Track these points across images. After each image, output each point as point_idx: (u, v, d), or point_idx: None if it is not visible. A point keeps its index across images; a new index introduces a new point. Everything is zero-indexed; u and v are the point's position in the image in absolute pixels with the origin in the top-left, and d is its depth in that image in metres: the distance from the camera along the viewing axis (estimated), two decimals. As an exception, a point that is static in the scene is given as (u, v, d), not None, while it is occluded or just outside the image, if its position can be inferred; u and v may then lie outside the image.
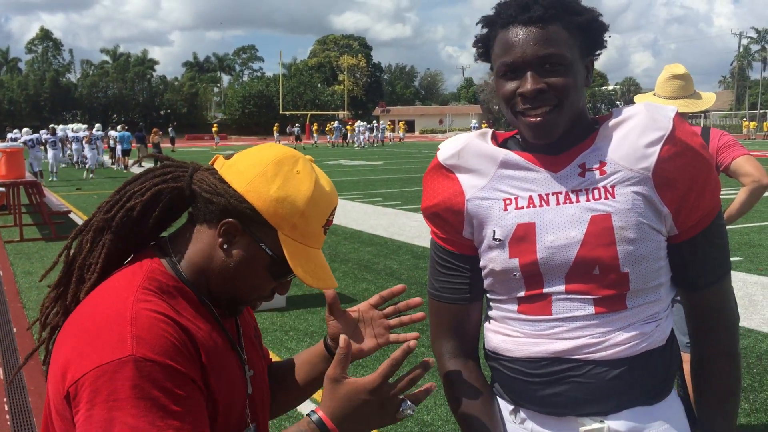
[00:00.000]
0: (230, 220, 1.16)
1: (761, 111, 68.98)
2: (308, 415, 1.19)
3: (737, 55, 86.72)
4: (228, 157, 1.24)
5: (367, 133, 46.59)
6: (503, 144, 1.51)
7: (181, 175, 1.22)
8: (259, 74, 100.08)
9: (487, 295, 1.54)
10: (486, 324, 1.57)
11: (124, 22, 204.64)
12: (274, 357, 1.68)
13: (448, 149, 1.51)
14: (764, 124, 54.18)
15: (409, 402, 1.20)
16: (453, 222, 1.49)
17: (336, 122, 50.58)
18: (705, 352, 1.48)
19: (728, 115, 72.77)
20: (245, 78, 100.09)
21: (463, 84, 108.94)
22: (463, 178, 1.47)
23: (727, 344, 1.47)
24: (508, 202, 1.42)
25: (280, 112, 69.35)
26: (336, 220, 11.81)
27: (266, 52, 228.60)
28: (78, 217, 12.84)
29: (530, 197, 1.41)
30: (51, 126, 26.70)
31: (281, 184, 1.17)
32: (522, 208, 1.41)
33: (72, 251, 1.23)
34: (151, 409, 1.00)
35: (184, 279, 1.19)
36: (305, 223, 1.19)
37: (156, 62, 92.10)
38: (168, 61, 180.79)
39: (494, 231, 1.43)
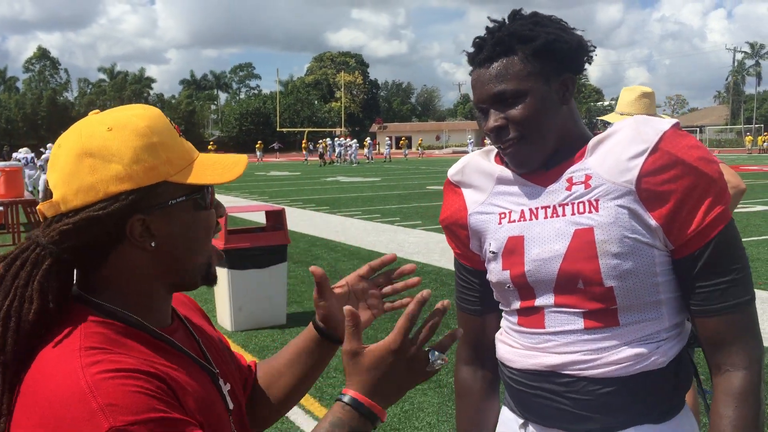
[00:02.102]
0: (128, 223, 1.00)
1: (756, 125, 69.30)
2: (338, 399, 1.08)
3: (732, 70, 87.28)
4: (44, 198, 1.07)
5: (340, 150, 47.01)
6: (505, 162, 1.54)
7: (38, 256, 1.00)
8: (256, 91, 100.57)
9: (499, 306, 1.60)
10: (497, 334, 1.61)
11: (121, 40, 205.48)
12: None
13: (454, 167, 1.61)
14: (759, 138, 54.35)
15: (437, 352, 1.12)
16: (461, 235, 1.58)
17: (327, 139, 50.65)
18: (718, 391, 1.37)
19: (723, 129, 73.04)
20: (242, 95, 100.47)
21: (460, 100, 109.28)
22: (466, 194, 1.56)
23: (740, 386, 1.33)
24: (503, 216, 1.48)
25: (278, 129, 69.50)
26: (335, 237, 11.83)
27: (263, 70, 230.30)
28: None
29: (522, 211, 1.45)
30: (50, 145, 26.60)
31: (113, 151, 1.00)
32: (514, 221, 1.46)
33: None
34: None
35: (123, 316, 1.02)
36: (169, 148, 1.04)
37: (153, 80, 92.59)
38: (165, 79, 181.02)
39: (490, 243, 1.49)
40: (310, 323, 1.35)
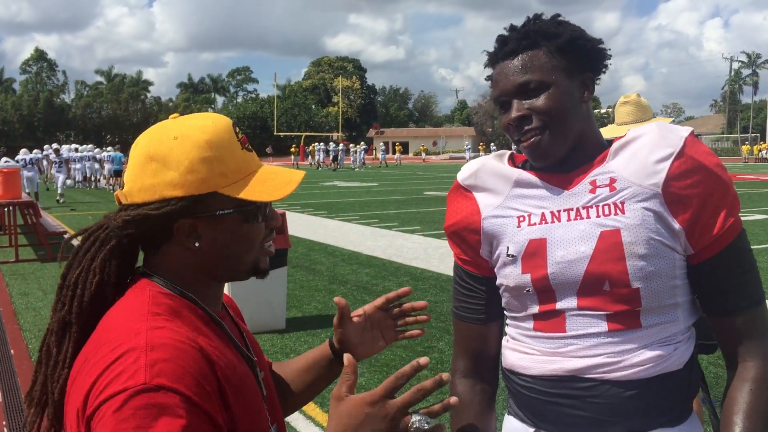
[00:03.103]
0: (177, 223, 1.12)
1: (753, 134, 69.54)
2: None
3: (728, 79, 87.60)
4: (123, 184, 1.20)
5: (321, 155, 47.29)
6: (521, 166, 1.54)
7: (106, 236, 1.15)
8: (253, 95, 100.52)
9: (506, 312, 1.56)
10: (504, 342, 1.58)
11: (118, 43, 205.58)
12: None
13: (466, 170, 1.58)
14: (755, 147, 54.58)
15: (421, 417, 1.09)
16: (471, 241, 1.54)
17: (320, 143, 50.64)
18: (734, 378, 1.43)
19: (720, 138, 73.29)
20: (239, 99, 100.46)
21: (457, 106, 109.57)
22: (480, 198, 1.53)
23: (756, 373, 1.40)
24: (521, 219, 1.46)
25: (275, 133, 69.55)
26: (333, 242, 11.82)
27: (260, 74, 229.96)
28: (75, 240, 12.76)
29: (542, 214, 1.44)
30: (55, 147, 26.49)
31: (173, 159, 1.11)
32: (534, 224, 1.44)
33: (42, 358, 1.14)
34: None
35: (183, 294, 1.14)
36: (224, 163, 1.13)
37: (150, 83, 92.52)
38: (162, 82, 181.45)
39: (508, 247, 1.46)
40: (327, 341, 1.49)
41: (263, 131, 76.42)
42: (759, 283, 1.43)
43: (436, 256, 10.29)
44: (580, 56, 1.43)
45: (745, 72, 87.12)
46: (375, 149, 51.40)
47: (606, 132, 3.17)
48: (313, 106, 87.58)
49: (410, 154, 62.32)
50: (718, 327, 1.44)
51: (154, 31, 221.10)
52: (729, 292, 1.40)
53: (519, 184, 1.48)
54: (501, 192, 1.50)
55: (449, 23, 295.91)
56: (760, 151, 52.61)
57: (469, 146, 56.65)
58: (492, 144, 62.26)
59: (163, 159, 1.12)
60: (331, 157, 47.04)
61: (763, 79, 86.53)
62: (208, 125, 1.15)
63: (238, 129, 1.19)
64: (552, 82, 1.40)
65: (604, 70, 1.49)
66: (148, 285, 1.14)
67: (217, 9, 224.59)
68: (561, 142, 1.42)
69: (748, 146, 56.75)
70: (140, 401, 0.95)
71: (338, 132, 75.20)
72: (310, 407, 4.56)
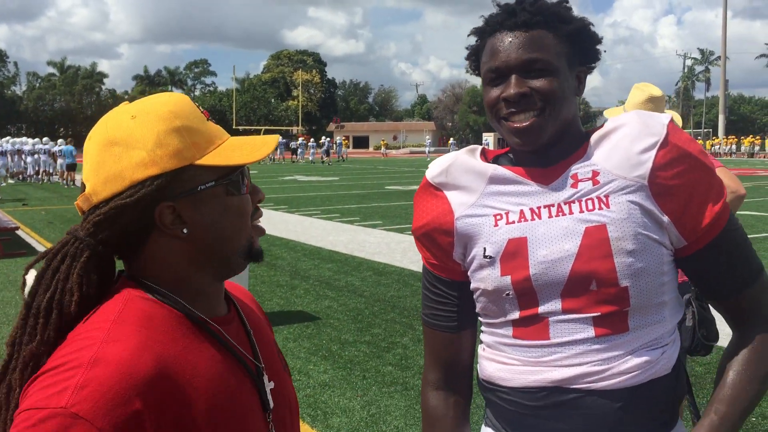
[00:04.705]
0: (156, 208, 0.99)
1: (705, 130, 71.15)
2: None
3: (682, 75, 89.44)
4: (83, 188, 1.06)
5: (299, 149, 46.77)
6: (494, 161, 1.46)
7: (77, 250, 1.01)
8: (211, 89, 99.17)
9: (481, 319, 1.47)
10: (480, 351, 1.48)
11: (71, 33, 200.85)
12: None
13: (435, 167, 1.48)
14: (708, 142, 55.90)
15: None
16: (442, 243, 1.44)
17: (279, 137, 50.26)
18: (741, 338, 1.38)
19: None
20: (197, 92, 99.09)
21: (417, 101, 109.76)
22: (451, 196, 1.43)
23: (762, 337, 1.36)
24: (498, 217, 1.37)
25: (234, 127, 68.74)
26: (295, 237, 11.69)
27: (218, 67, 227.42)
28: (26, 234, 12.42)
29: (521, 211, 1.36)
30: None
31: (137, 138, 1.00)
32: (513, 222, 1.36)
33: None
34: None
35: (169, 298, 1.02)
36: (194, 132, 1.03)
37: (105, 75, 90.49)
38: (117, 74, 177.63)
39: (485, 248, 1.37)
40: None
41: (222, 124, 73.70)
42: (754, 254, 1.40)
43: (398, 250, 10.26)
44: (582, 49, 1.38)
45: (698, 69, 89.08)
46: (334, 143, 50.78)
47: (610, 113, 3.12)
48: (273, 100, 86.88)
49: (371, 148, 62.14)
50: (724, 310, 1.40)
51: (108, 21, 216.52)
52: (730, 275, 1.36)
53: (494, 180, 1.40)
54: (475, 189, 1.41)
55: (409, 18, 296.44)
56: (712, 146, 53.88)
57: (430, 141, 56.74)
58: (452, 138, 62.51)
59: (126, 140, 1.00)
60: (323, 150, 45.31)
61: (715, 76, 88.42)
62: (169, 99, 1.06)
63: (196, 103, 1.10)
64: (557, 67, 1.33)
65: (592, 71, 1.44)
66: (127, 289, 1.02)
67: (173, 0, 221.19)
68: (551, 129, 1.34)
69: (701, 141, 58.07)
70: (52, 425, 0.85)
71: (298, 126, 74.72)
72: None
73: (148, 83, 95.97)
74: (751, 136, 59.60)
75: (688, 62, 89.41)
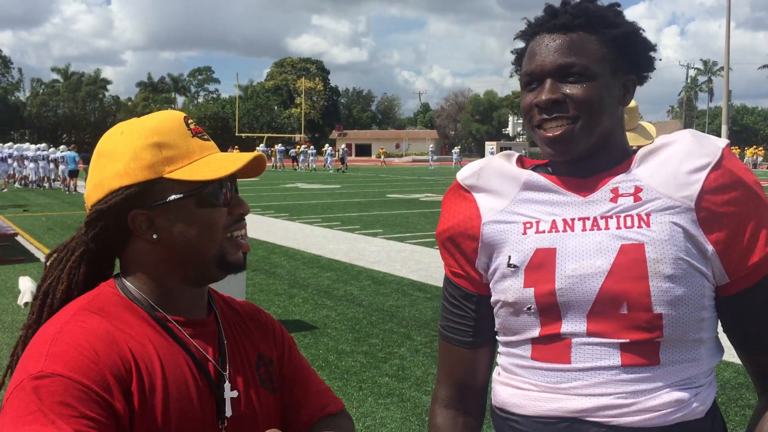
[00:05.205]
0: (129, 215, 1.12)
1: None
2: None
3: (685, 85, 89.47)
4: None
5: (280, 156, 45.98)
6: (532, 170, 1.38)
7: (75, 244, 1.18)
8: (214, 96, 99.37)
9: (499, 339, 1.38)
10: (495, 375, 1.39)
11: (75, 40, 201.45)
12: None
13: (468, 169, 1.41)
14: (748, 151, 55.75)
15: None
16: (466, 249, 1.36)
17: (279, 145, 50.13)
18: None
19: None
20: (200, 99, 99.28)
21: (420, 109, 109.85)
22: (481, 200, 1.35)
23: None
24: (528, 225, 1.29)
25: (236, 134, 68.87)
26: (295, 245, 11.66)
27: (222, 74, 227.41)
28: (25, 241, 12.39)
29: (553, 221, 1.27)
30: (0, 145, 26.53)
31: (119, 151, 1.13)
32: (543, 232, 1.27)
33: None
34: (41, 423, 0.96)
35: (135, 298, 1.14)
36: (170, 147, 1.13)
37: (109, 82, 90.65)
38: (121, 81, 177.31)
39: (510, 256, 1.28)
40: None
41: (225, 132, 75.51)
42: None
43: (398, 259, 10.21)
44: (630, 55, 1.29)
45: (701, 79, 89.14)
46: (337, 151, 50.74)
47: None
48: (276, 107, 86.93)
49: (373, 156, 62.15)
50: (752, 362, 1.29)
51: (113, 28, 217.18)
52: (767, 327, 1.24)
53: (528, 186, 1.31)
54: (506, 194, 1.32)
55: (412, 26, 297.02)
56: (754, 155, 53.71)
57: (433, 149, 56.74)
58: (456, 147, 62.49)
59: (110, 153, 1.14)
60: (337, 157, 45.08)
61: (718, 86, 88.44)
62: (155, 117, 1.17)
63: (191, 120, 1.18)
64: (597, 73, 1.24)
65: (645, 80, 1.34)
66: (105, 285, 1.16)
67: (177, 7, 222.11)
68: (587, 140, 1.25)
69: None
70: (34, 385, 0.98)
71: (301, 133, 74.80)
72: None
73: (152, 90, 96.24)
74: (753, 146, 59.61)
75: (691, 72, 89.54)
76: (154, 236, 1.12)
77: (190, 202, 1.12)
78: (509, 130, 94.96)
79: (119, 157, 1.12)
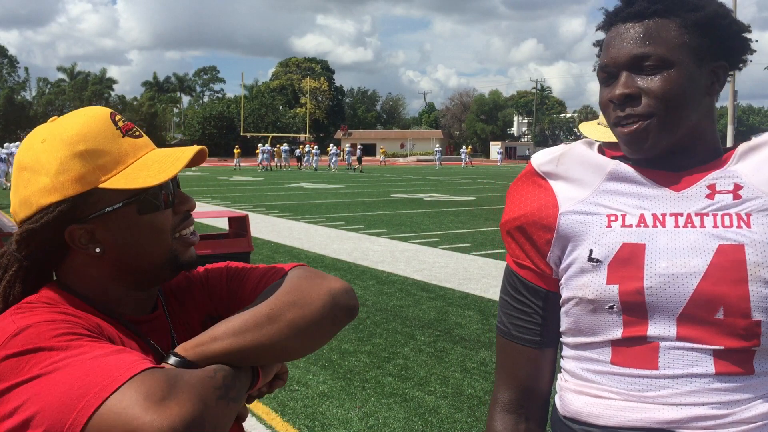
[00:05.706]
0: (65, 231, 1.01)
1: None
2: None
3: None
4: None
5: (262, 155, 43.10)
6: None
7: (8, 261, 1.05)
8: (220, 95, 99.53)
9: (566, 340, 1.28)
10: (561, 382, 1.29)
11: (81, 40, 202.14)
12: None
13: (545, 154, 1.30)
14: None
15: None
16: (538, 240, 1.26)
17: (284, 144, 49.98)
18: None
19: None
20: (206, 99, 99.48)
21: (425, 109, 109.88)
22: (559, 188, 1.25)
23: None
24: (613, 218, 1.19)
25: (241, 133, 69.00)
26: (299, 244, 11.66)
27: (227, 74, 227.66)
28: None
29: (642, 215, 1.18)
30: (7, 144, 26.98)
31: (43, 164, 1.01)
32: (630, 226, 1.18)
33: None
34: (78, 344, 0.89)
35: (82, 296, 1.04)
36: (100, 154, 1.02)
37: (115, 81, 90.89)
38: (126, 80, 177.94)
39: (591, 250, 1.19)
40: None
41: (230, 131, 75.64)
42: None
43: (402, 259, 10.20)
44: (717, 39, 1.18)
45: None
46: (342, 151, 50.76)
47: (585, 128, 2.92)
48: (281, 107, 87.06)
49: (377, 156, 62.21)
50: None
51: (119, 28, 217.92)
52: None
53: (614, 176, 1.21)
54: (589, 184, 1.22)
55: (417, 26, 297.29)
56: None
57: (439, 149, 56.63)
58: (463, 146, 62.43)
59: (33, 166, 1.02)
60: (344, 156, 44.67)
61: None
62: (78, 120, 1.05)
63: (118, 117, 1.08)
64: (676, 62, 1.15)
65: (741, 65, 1.24)
66: (45, 288, 1.05)
67: (182, 7, 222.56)
68: (666, 137, 1.17)
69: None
70: (15, 342, 0.90)
71: (306, 133, 74.87)
72: (270, 416, 4.43)
73: (158, 89, 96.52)
74: (759, 147, 59.34)
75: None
76: (97, 250, 1.03)
77: (131, 209, 1.04)
78: (514, 129, 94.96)
79: (44, 171, 1.01)
